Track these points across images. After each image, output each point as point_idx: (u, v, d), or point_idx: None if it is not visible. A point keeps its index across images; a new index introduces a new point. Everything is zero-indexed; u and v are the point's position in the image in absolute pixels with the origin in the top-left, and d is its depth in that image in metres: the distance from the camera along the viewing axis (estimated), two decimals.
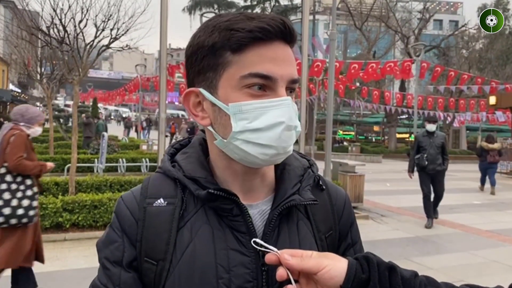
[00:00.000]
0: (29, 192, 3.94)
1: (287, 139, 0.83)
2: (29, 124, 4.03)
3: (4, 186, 3.85)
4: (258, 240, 0.81)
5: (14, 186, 3.88)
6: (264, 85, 0.82)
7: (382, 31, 33.66)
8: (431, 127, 8.21)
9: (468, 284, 0.76)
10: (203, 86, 0.87)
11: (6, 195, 3.82)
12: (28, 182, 3.96)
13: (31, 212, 3.91)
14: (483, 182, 13.64)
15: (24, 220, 3.85)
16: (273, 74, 0.81)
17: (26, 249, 3.90)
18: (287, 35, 0.83)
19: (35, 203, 3.97)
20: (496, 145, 13.54)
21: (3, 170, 3.87)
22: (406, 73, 19.66)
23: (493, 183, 13.05)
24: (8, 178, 3.87)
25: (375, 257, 0.79)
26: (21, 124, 3.99)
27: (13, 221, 3.80)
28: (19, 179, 3.90)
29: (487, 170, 13.27)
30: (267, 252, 0.79)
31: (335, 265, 0.76)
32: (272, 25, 0.81)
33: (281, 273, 0.76)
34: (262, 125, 0.81)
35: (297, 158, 0.99)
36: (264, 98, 0.82)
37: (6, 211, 3.77)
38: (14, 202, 3.81)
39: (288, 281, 0.77)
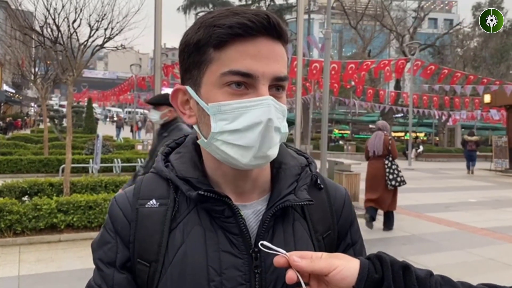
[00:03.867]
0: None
1: (268, 141, 0.79)
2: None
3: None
4: (265, 243, 0.78)
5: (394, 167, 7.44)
6: (245, 83, 0.79)
7: (377, 30, 33.75)
8: (153, 114, 4.02)
9: (485, 284, 0.74)
10: (190, 83, 0.86)
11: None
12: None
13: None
14: (468, 167, 18.49)
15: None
16: (253, 71, 0.78)
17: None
18: (272, 31, 0.79)
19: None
20: (473, 138, 18.78)
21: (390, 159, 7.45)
22: (399, 72, 19.77)
23: (473, 165, 18.30)
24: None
25: (388, 256, 0.76)
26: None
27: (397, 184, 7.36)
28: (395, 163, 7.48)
29: (469, 157, 18.38)
30: (275, 254, 0.76)
31: (346, 265, 0.73)
32: (254, 21, 0.77)
33: (290, 275, 0.73)
34: (240, 126, 0.78)
35: (294, 156, 0.96)
36: (245, 97, 0.79)
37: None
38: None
39: (298, 284, 0.74)
